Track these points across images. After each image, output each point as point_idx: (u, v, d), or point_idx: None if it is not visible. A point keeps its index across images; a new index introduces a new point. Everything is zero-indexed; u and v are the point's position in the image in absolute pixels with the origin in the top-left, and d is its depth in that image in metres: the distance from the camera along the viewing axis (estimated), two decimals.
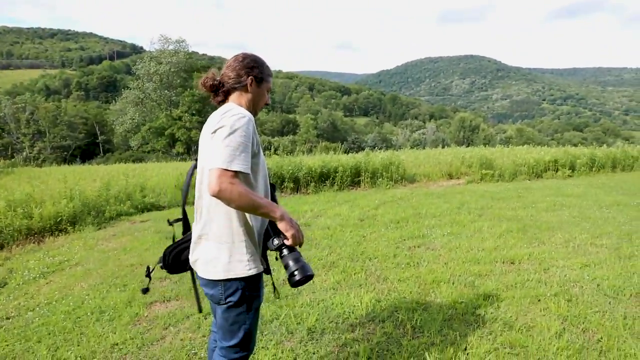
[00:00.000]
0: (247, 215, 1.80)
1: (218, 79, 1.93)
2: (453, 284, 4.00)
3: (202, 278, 1.87)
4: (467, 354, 2.67)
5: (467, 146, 28.24)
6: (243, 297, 1.84)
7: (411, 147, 34.84)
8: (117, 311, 3.68)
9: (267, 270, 1.92)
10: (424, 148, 30.71)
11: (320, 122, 72.24)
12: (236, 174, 1.64)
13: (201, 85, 1.93)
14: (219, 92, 1.93)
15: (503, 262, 4.60)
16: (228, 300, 1.83)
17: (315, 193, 9.72)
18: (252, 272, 1.82)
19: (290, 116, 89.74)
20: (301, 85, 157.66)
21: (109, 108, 65.99)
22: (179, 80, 48.26)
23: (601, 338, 2.91)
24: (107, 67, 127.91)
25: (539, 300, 3.56)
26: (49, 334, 3.37)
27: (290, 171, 9.84)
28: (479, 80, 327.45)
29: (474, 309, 3.41)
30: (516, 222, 6.42)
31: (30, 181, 12.00)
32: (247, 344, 1.93)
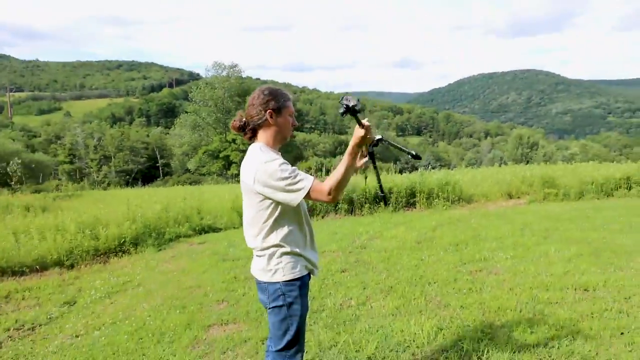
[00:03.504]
0: (284, 227, 2.04)
1: (244, 119, 2.13)
2: (520, 311, 3.76)
3: (256, 281, 2.17)
4: None
5: (526, 164, 27.01)
6: (284, 303, 2.04)
7: (466, 166, 33.84)
8: (177, 333, 3.74)
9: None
10: (479, 167, 29.70)
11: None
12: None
13: (232, 128, 2.18)
14: (247, 131, 2.14)
15: (575, 289, 4.28)
16: (272, 304, 2.05)
17: (370, 214, 9.61)
18: (288, 277, 2.03)
19: (342, 137, 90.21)
20: None
21: (168, 133, 69.40)
22: (232, 104, 50.02)
23: None
24: (166, 94, 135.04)
25: (622, 334, 3.25)
26: (114, 353, 3.47)
27: (344, 192, 9.79)
28: (536, 95, 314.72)
29: (547, 341, 3.17)
30: (586, 245, 5.99)
31: (96, 204, 12.75)
32: (292, 350, 2.09)
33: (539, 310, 3.79)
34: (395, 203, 10.01)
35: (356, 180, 10.88)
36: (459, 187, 10.90)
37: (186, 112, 51.97)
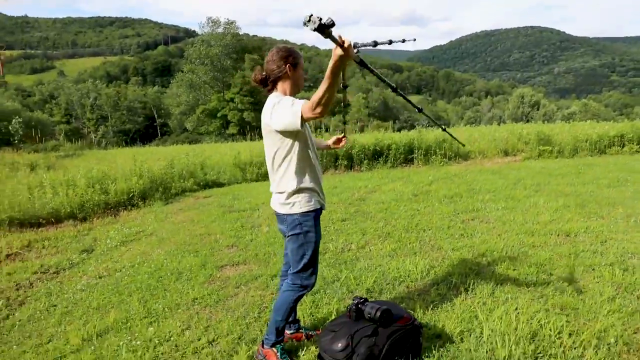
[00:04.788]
0: (300, 165, 2.36)
1: (264, 73, 2.43)
2: (506, 253, 4.14)
3: (276, 214, 2.53)
4: (518, 312, 2.86)
5: (526, 123, 27.17)
6: (301, 231, 2.39)
7: (465, 125, 33.91)
8: (193, 273, 4.14)
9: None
10: (478, 125, 29.87)
11: (371, 101, 71.41)
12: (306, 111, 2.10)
13: (253, 81, 2.47)
14: (268, 83, 2.43)
15: (558, 235, 4.66)
16: (290, 233, 2.41)
17: (369, 170, 9.93)
18: (304, 209, 2.38)
19: (339, 95, 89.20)
20: (351, 64, 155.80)
21: (165, 92, 68.72)
22: (229, 62, 49.33)
23: None
24: (162, 52, 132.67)
25: (593, 269, 3.65)
26: (137, 289, 3.87)
27: (344, 149, 10.08)
28: (539, 54, 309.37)
29: (526, 276, 3.56)
30: (574, 197, 6.35)
31: (99, 162, 13.02)
32: (308, 272, 2.45)
33: (523, 252, 4.17)
34: (393, 159, 10.32)
35: (354, 137, 11.15)
36: (456, 144, 11.16)
37: (182, 71, 51.28)
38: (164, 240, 5.47)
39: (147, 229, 6.20)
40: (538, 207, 5.85)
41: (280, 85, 2.42)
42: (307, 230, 2.38)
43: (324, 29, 1.67)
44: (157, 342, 2.83)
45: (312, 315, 3.07)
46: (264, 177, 10.01)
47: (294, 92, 2.45)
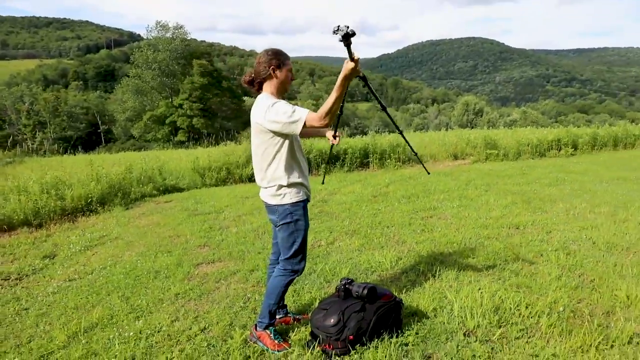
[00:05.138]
0: (288, 162, 2.56)
1: (253, 75, 2.66)
2: (465, 244, 4.55)
3: (267, 205, 2.70)
4: (481, 291, 3.22)
5: (471, 129, 28.66)
6: (292, 220, 2.60)
7: (414, 131, 35.25)
8: (170, 271, 4.24)
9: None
10: (427, 131, 31.15)
11: None
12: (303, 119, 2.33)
13: (242, 82, 2.71)
14: (255, 84, 2.66)
15: (509, 228, 5.15)
16: (281, 222, 2.61)
17: (327, 174, 10.23)
18: (294, 200, 2.59)
19: (292, 102, 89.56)
20: (301, 71, 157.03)
21: (109, 97, 66.23)
22: (177, 67, 48.42)
23: (594, 279, 3.47)
24: (104, 56, 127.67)
25: (541, 255, 4.12)
26: (115, 289, 3.92)
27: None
28: (481, 63, 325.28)
29: (485, 262, 3.97)
30: (521, 195, 6.95)
31: (47, 169, 12.51)
32: (298, 257, 2.67)
33: (480, 242, 4.60)
34: (350, 163, 10.71)
35: (312, 142, 11.44)
36: (409, 148, 11.71)
37: (128, 76, 49.72)
38: (132, 243, 5.48)
39: (111, 233, 6.16)
40: (489, 205, 6.38)
41: (266, 85, 2.61)
42: (297, 219, 2.61)
43: (349, 37, 1.98)
44: (148, 333, 2.95)
45: (296, 302, 3.30)
46: (224, 181, 10.09)
47: (280, 93, 2.62)
